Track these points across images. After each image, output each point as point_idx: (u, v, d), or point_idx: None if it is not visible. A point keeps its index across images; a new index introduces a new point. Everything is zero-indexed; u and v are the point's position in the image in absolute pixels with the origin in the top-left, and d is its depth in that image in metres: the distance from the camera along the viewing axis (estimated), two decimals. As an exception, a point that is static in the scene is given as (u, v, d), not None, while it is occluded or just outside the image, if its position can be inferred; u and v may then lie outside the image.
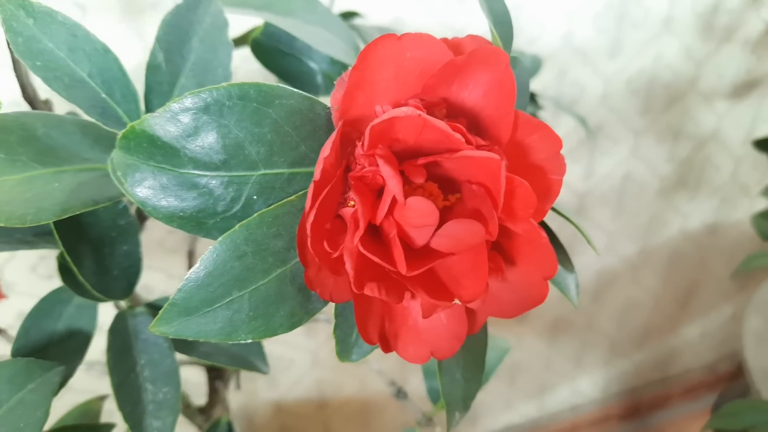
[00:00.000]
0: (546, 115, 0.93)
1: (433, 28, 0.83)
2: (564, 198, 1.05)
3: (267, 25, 0.38)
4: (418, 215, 0.21)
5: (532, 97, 0.75)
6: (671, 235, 1.19)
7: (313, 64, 0.39)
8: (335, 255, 0.22)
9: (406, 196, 0.22)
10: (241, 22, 0.46)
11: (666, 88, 1.00)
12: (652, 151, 1.06)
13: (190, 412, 0.54)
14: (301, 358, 1.06)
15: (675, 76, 0.99)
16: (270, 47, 0.38)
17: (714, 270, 1.26)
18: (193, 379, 0.93)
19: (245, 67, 0.70)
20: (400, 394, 0.44)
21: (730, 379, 1.40)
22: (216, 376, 0.53)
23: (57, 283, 0.43)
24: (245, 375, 1.04)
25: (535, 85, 0.90)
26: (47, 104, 0.38)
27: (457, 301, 0.22)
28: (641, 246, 1.18)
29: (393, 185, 0.20)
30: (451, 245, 0.21)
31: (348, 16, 0.52)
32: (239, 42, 0.42)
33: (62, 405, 0.47)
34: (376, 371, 0.45)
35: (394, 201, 0.21)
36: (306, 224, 0.21)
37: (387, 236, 0.22)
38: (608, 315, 1.26)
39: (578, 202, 1.07)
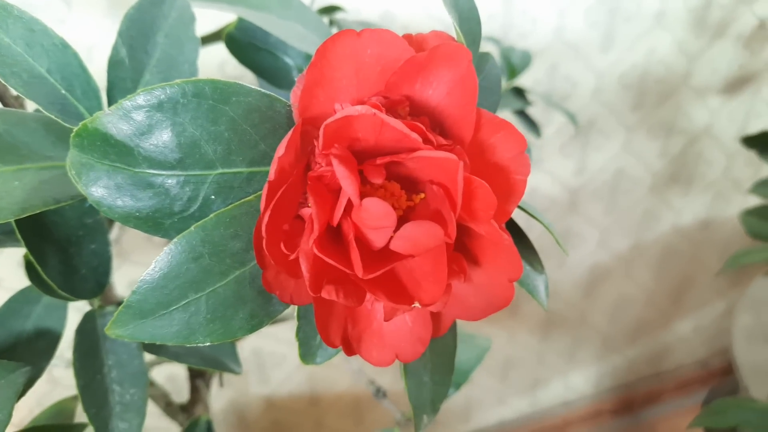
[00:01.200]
0: (537, 111, 0.92)
1: (423, 22, 0.82)
2: (556, 193, 1.05)
3: (241, 20, 0.37)
4: (374, 217, 0.20)
5: (521, 93, 0.74)
6: (664, 231, 1.19)
7: (288, 60, 0.38)
8: (292, 257, 0.22)
9: (365, 197, 0.21)
10: (217, 18, 0.45)
11: (658, 83, 0.99)
12: (645, 147, 1.06)
13: (172, 410, 0.54)
14: (293, 354, 1.06)
15: (667, 71, 0.99)
16: (244, 42, 0.37)
17: (706, 265, 1.26)
18: (181, 376, 0.93)
19: (233, 62, 0.69)
20: (379, 393, 0.43)
21: (722, 375, 1.40)
22: (196, 375, 0.53)
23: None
24: (235, 371, 1.04)
25: (527, 80, 0.89)
26: (18, 100, 0.38)
27: (416, 304, 0.22)
28: (634, 241, 1.18)
29: (347, 186, 0.20)
30: (409, 247, 0.21)
31: (330, 10, 0.51)
32: (214, 37, 0.41)
33: (51, 401, 0.47)
34: (356, 371, 0.45)
35: (350, 202, 0.21)
36: (261, 226, 0.21)
37: (345, 238, 0.22)
38: (601, 310, 1.26)
39: (570, 198, 1.07)
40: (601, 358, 1.34)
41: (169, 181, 0.23)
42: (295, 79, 0.39)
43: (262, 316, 0.24)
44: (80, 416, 0.43)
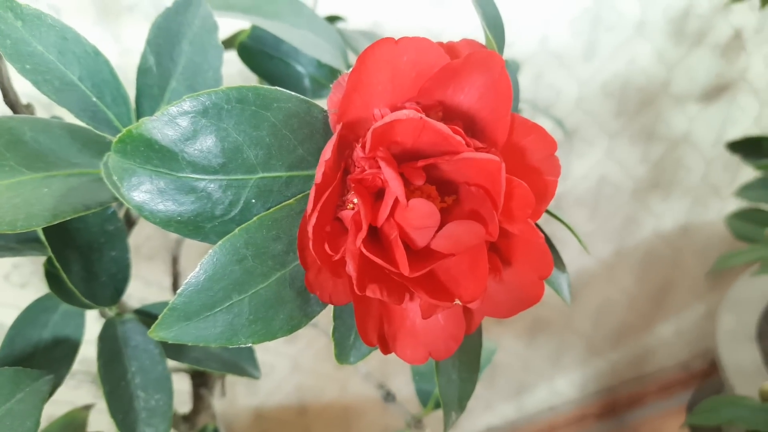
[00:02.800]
0: (523, 119, 0.94)
1: (412, 32, 0.83)
2: (541, 200, 1.07)
3: (254, 28, 0.38)
4: (419, 216, 0.21)
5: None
6: (645, 236, 1.21)
7: (299, 68, 0.39)
8: (336, 257, 0.22)
9: (406, 199, 0.22)
10: (227, 26, 0.46)
11: (639, 91, 1.02)
12: (627, 153, 1.08)
13: (175, 419, 0.54)
14: (282, 364, 1.06)
15: (648, 80, 1.01)
16: (256, 50, 0.38)
17: (687, 269, 1.29)
18: (177, 387, 0.92)
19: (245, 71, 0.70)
20: (389, 397, 0.44)
21: (704, 377, 1.43)
22: (200, 383, 0.53)
23: (31, 291, 0.42)
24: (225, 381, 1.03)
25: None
26: (29, 109, 0.38)
27: (457, 301, 0.22)
28: (616, 247, 1.20)
29: (395, 187, 0.20)
30: (451, 246, 0.22)
31: (331, 20, 0.52)
32: (226, 45, 0.42)
33: (45, 417, 0.46)
34: (364, 375, 0.45)
35: (396, 203, 0.21)
36: (308, 227, 0.21)
37: (387, 238, 0.22)
38: (585, 315, 1.28)
39: (555, 204, 1.08)
40: (585, 362, 1.36)
41: (212, 185, 0.23)
42: (307, 87, 0.40)
43: (301, 317, 0.24)
44: (91, 426, 0.43)
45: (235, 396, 1.07)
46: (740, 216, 0.69)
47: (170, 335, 0.23)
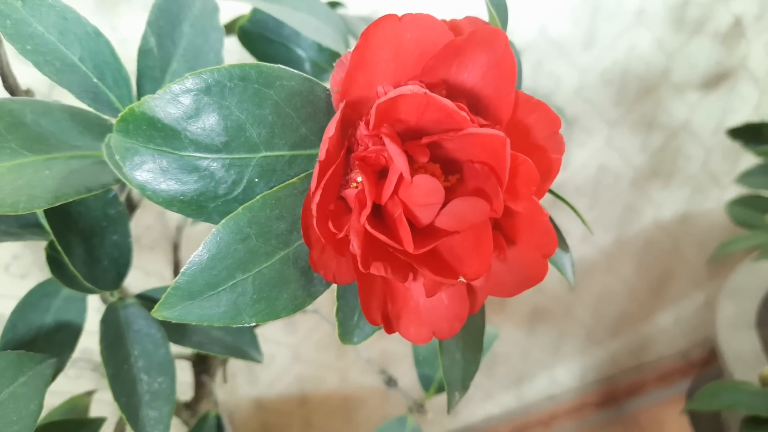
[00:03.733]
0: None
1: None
2: (541, 189, 1.07)
3: (254, 12, 0.38)
4: (424, 193, 0.21)
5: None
6: (645, 225, 1.21)
7: (300, 52, 0.39)
8: (340, 235, 0.22)
9: (410, 175, 0.22)
10: (229, 9, 0.46)
11: (639, 80, 1.02)
12: (626, 142, 1.08)
13: (177, 407, 0.54)
14: (282, 354, 1.06)
15: (647, 68, 1.01)
16: (257, 35, 0.38)
17: (686, 258, 1.29)
18: (179, 376, 0.92)
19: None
20: (391, 382, 0.44)
21: (703, 365, 1.44)
22: (202, 370, 0.53)
23: (31, 282, 0.42)
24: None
25: (512, 77, 0.91)
26: (29, 93, 0.37)
27: (462, 278, 0.22)
28: (616, 235, 1.20)
29: (400, 163, 0.20)
30: (455, 223, 0.22)
31: (331, 5, 0.52)
32: (226, 31, 0.42)
33: (45, 406, 0.46)
34: (365, 360, 0.45)
35: (400, 179, 0.21)
36: (311, 205, 0.21)
37: (391, 216, 0.22)
38: (584, 304, 1.28)
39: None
40: (585, 351, 1.36)
41: (215, 164, 0.23)
42: (308, 71, 0.40)
43: (305, 296, 0.24)
44: (94, 412, 0.43)
45: (235, 386, 1.07)
46: (740, 202, 0.70)
47: (174, 315, 0.23)
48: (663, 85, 1.04)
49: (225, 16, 0.49)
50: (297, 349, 1.07)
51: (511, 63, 0.22)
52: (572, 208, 0.27)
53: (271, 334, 1.03)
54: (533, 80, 0.95)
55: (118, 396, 0.30)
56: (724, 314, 0.94)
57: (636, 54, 0.99)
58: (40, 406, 0.28)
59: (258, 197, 0.23)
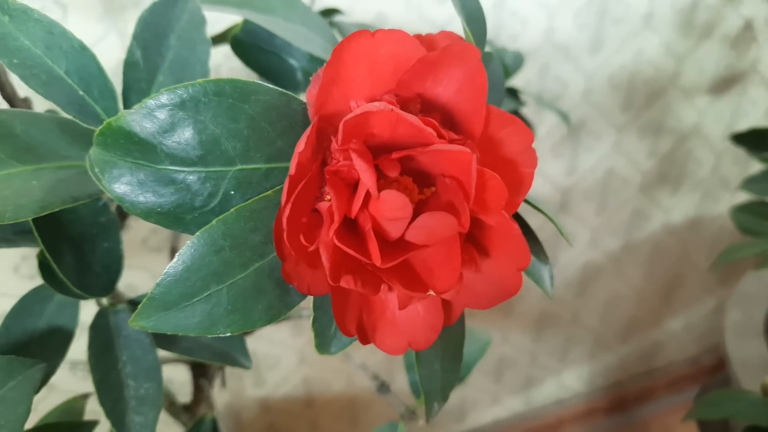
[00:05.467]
0: (529, 111, 0.93)
1: (416, 24, 0.83)
2: (547, 193, 1.06)
3: (246, 22, 0.38)
4: (391, 208, 0.21)
5: (515, 93, 0.75)
6: (654, 230, 1.21)
7: (293, 61, 0.39)
8: (312, 248, 0.22)
9: (380, 190, 0.22)
10: (221, 19, 0.46)
11: (647, 84, 1.01)
12: (634, 147, 1.08)
13: (175, 409, 0.54)
14: (288, 356, 1.07)
15: (656, 72, 1.00)
16: (250, 44, 0.38)
17: (696, 263, 1.28)
18: (179, 378, 0.93)
19: (228, 65, 0.70)
20: (383, 388, 0.44)
21: (713, 372, 1.42)
22: (200, 374, 0.53)
23: (40, 283, 0.43)
24: (231, 373, 1.04)
25: (518, 81, 0.91)
26: (26, 102, 0.38)
27: (431, 292, 0.23)
28: (624, 240, 1.20)
29: (366, 179, 0.21)
30: (424, 237, 0.22)
31: (329, 12, 0.52)
32: (219, 39, 0.42)
33: (48, 406, 0.47)
34: (360, 366, 0.45)
35: (368, 194, 0.22)
36: (282, 218, 0.22)
37: (362, 229, 0.23)
38: (592, 309, 1.27)
39: (562, 198, 1.08)
40: (593, 356, 1.35)
41: (191, 177, 0.23)
42: (300, 81, 0.40)
43: (280, 307, 0.25)
44: (89, 414, 0.43)
45: (242, 388, 1.08)
46: (745, 209, 0.69)
47: (150, 324, 0.23)
48: (671, 90, 1.03)
49: (218, 25, 0.49)
50: (303, 352, 1.07)
51: (482, 79, 0.23)
52: (549, 217, 0.27)
53: (277, 336, 1.03)
54: (539, 85, 0.95)
55: (104, 401, 0.31)
56: (732, 321, 0.93)
57: (644, 58, 0.98)
58: (28, 410, 0.29)
59: (232, 210, 0.23)
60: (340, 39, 0.43)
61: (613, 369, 1.39)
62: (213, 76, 0.76)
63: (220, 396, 1.06)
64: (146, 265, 0.85)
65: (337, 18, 0.53)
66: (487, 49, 0.81)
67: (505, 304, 1.24)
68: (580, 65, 0.95)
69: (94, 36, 0.69)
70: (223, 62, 0.69)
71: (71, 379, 0.82)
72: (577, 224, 1.13)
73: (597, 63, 0.96)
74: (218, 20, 0.44)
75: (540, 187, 1.05)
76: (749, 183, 0.67)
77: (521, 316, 1.22)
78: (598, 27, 0.93)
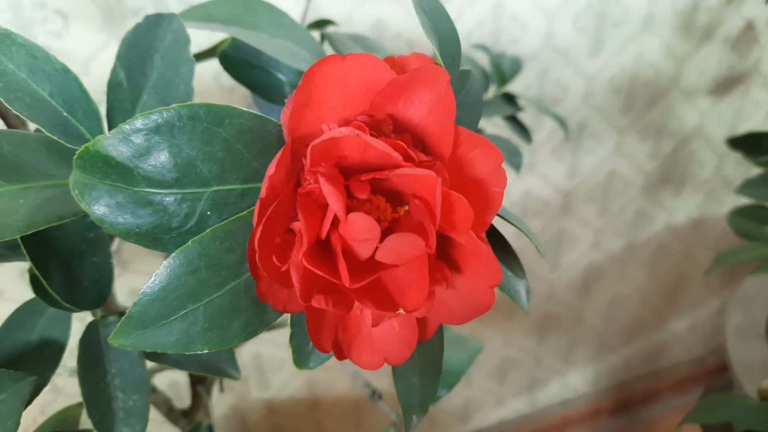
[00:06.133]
0: (529, 115, 0.94)
1: (415, 30, 0.83)
2: (550, 196, 1.06)
3: (234, 38, 0.39)
4: (359, 230, 0.22)
5: (512, 99, 0.76)
6: (657, 231, 1.20)
7: (281, 76, 0.40)
8: (284, 268, 0.23)
9: (352, 211, 0.23)
10: (210, 35, 0.47)
11: (648, 86, 1.01)
12: (636, 149, 1.07)
13: (174, 415, 0.55)
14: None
15: (656, 74, 1.00)
16: (238, 59, 0.39)
17: (700, 264, 1.28)
18: (180, 382, 0.94)
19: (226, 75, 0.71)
20: (375, 395, 0.45)
21: (718, 373, 1.42)
22: (197, 381, 0.54)
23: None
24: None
25: (517, 85, 0.91)
26: (20, 119, 0.39)
27: (401, 310, 0.23)
28: (627, 242, 1.19)
29: (333, 202, 0.21)
30: (393, 258, 0.22)
31: (321, 24, 0.53)
32: (208, 54, 0.43)
33: (54, 409, 0.48)
34: (352, 374, 0.46)
35: (337, 217, 0.22)
36: (254, 240, 0.22)
37: (334, 250, 0.23)
38: (596, 310, 1.27)
39: (564, 200, 1.08)
40: (597, 357, 1.35)
41: (167, 198, 0.24)
42: (288, 95, 0.41)
43: (257, 324, 0.25)
44: (84, 423, 0.44)
45: (247, 390, 1.09)
46: (742, 213, 0.69)
47: (128, 342, 0.24)
48: (673, 91, 1.03)
49: (211, 40, 0.50)
50: (307, 354, 1.08)
51: (450, 102, 0.23)
52: (524, 232, 0.28)
53: (282, 339, 1.04)
54: (539, 88, 0.95)
55: (92, 413, 0.31)
56: (734, 324, 0.92)
57: (644, 60, 0.98)
58: (17, 423, 0.29)
59: (208, 230, 0.24)
60: (329, 52, 0.44)
61: (617, 370, 1.39)
62: (214, 85, 0.77)
63: (225, 398, 1.07)
64: (152, 270, 0.86)
65: (330, 29, 0.53)
66: (480, 56, 0.81)
67: (508, 306, 1.24)
68: (580, 68, 0.95)
69: (95, 45, 0.70)
70: (221, 72, 0.70)
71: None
72: (579, 226, 1.13)
73: (597, 66, 0.96)
74: (207, 35, 0.44)
75: (542, 190, 1.05)
76: (747, 187, 0.67)
77: (525, 317, 1.22)
78: (598, 30, 0.93)
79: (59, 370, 0.40)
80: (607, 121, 1.02)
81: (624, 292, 1.27)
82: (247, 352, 1.02)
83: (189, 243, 0.23)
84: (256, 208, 0.22)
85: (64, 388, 0.89)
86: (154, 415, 0.59)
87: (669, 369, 1.43)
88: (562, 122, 0.77)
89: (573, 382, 1.37)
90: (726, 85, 1.06)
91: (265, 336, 1.01)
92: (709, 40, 1.00)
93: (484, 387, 1.29)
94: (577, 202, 1.10)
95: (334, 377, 1.14)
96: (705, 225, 1.23)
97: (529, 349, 1.27)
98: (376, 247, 0.23)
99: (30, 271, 0.34)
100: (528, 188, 1.04)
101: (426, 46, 0.82)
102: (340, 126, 0.22)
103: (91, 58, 0.70)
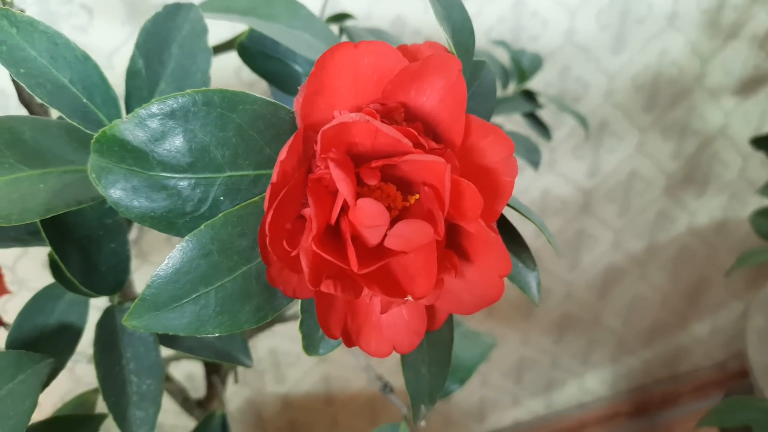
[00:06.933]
0: (549, 113, 0.93)
1: (435, 28, 0.83)
2: (569, 195, 1.06)
3: (252, 29, 0.39)
4: (368, 216, 0.22)
5: (531, 96, 0.75)
6: (678, 232, 1.19)
7: (297, 67, 0.40)
8: (294, 253, 0.23)
9: (362, 197, 0.23)
10: (232, 30, 0.47)
11: (671, 85, 1.00)
12: (658, 148, 1.06)
13: (189, 405, 0.56)
14: (308, 354, 1.08)
15: (680, 73, 0.99)
16: (255, 51, 0.39)
17: (722, 267, 1.26)
18: (195, 373, 0.95)
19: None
20: (386, 388, 0.45)
21: (740, 378, 1.40)
22: (213, 371, 0.55)
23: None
24: (252, 370, 1.06)
25: (538, 82, 0.90)
26: (44, 107, 0.40)
27: (409, 297, 0.23)
28: (648, 243, 1.18)
29: (342, 187, 0.21)
30: (402, 244, 0.22)
31: (340, 18, 0.53)
32: (227, 46, 0.43)
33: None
34: (364, 367, 0.46)
35: (346, 202, 0.22)
36: (265, 224, 0.22)
37: (343, 236, 0.23)
38: (615, 312, 1.26)
39: (584, 199, 1.07)
40: (616, 360, 1.34)
41: (181, 183, 0.24)
42: (304, 85, 0.41)
43: (268, 309, 0.26)
44: (101, 407, 0.45)
45: (263, 384, 1.10)
46: (765, 214, 0.68)
47: (141, 324, 0.24)
48: (697, 90, 1.02)
49: (227, 32, 0.50)
50: (323, 349, 1.08)
51: (462, 89, 0.23)
52: (537, 225, 0.27)
53: (297, 334, 1.05)
54: (560, 86, 0.94)
55: (107, 396, 0.32)
56: (756, 327, 0.91)
57: (668, 58, 0.97)
58: (35, 404, 0.30)
59: (220, 215, 0.24)
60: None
61: (636, 373, 1.37)
62: (235, 79, 0.77)
63: (241, 392, 1.08)
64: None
65: (349, 23, 0.54)
66: (499, 52, 0.80)
67: (525, 305, 1.23)
68: (602, 66, 0.94)
69: (119, 39, 0.72)
70: (242, 66, 0.70)
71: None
72: (599, 226, 1.12)
73: (619, 63, 0.95)
74: (230, 27, 0.45)
75: (562, 188, 1.04)
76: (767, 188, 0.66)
77: (542, 317, 1.21)
78: (621, 27, 0.92)
79: (78, 357, 0.41)
80: (628, 119, 1.01)
81: (644, 294, 1.25)
82: (263, 347, 1.03)
83: (202, 227, 0.24)
84: (267, 192, 0.22)
85: (83, 377, 0.90)
86: (172, 405, 0.60)
87: (689, 373, 1.41)
88: (582, 120, 0.76)
89: (590, 385, 1.36)
90: (752, 84, 1.04)
91: (281, 330, 1.02)
92: (735, 39, 0.98)
93: (501, 386, 1.29)
94: (597, 201, 1.09)
95: (349, 373, 1.14)
96: (728, 227, 1.21)
97: (546, 349, 1.26)
98: (386, 234, 0.23)
99: (50, 255, 0.34)
100: (547, 187, 1.03)
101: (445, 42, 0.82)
102: (351, 113, 0.22)
103: (115, 52, 0.72)
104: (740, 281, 1.30)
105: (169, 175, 0.24)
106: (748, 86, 1.04)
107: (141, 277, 0.83)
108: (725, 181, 1.15)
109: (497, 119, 0.81)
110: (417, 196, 0.25)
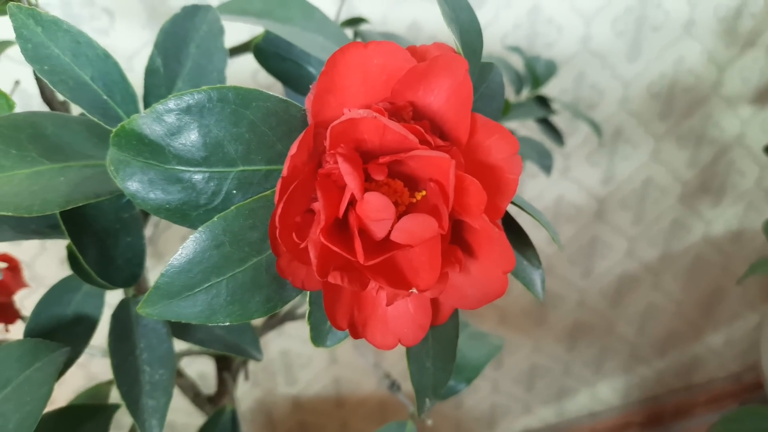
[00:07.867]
0: (564, 120, 0.93)
1: (450, 32, 0.84)
2: (583, 202, 1.06)
3: (268, 32, 0.40)
4: (374, 209, 0.22)
5: (545, 102, 0.75)
6: (694, 241, 1.18)
7: (311, 69, 0.41)
8: (303, 245, 0.24)
9: (368, 192, 0.23)
10: (250, 33, 0.48)
11: (687, 93, 0.99)
12: (674, 156, 1.06)
13: (200, 400, 0.57)
14: (319, 356, 1.09)
15: (697, 81, 0.99)
16: (270, 52, 0.40)
17: (738, 277, 1.24)
18: (206, 371, 0.96)
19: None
20: (394, 386, 0.45)
21: (755, 390, 1.38)
22: (224, 367, 0.55)
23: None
24: (263, 371, 1.07)
25: (553, 88, 0.90)
26: (64, 105, 0.41)
27: (414, 290, 0.24)
28: (663, 251, 1.17)
29: (350, 181, 0.22)
30: (407, 238, 0.23)
31: (355, 22, 0.54)
32: (243, 48, 0.44)
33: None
34: (373, 365, 0.47)
35: (354, 196, 0.23)
36: (275, 217, 0.23)
37: (351, 229, 0.24)
38: (628, 321, 1.25)
39: (598, 207, 1.07)
40: (628, 369, 1.33)
41: (196, 176, 0.25)
42: (318, 86, 0.42)
43: (277, 300, 0.26)
44: (114, 398, 0.46)
45: (274, 385, 1.11)
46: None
47: (155, 311, 0.25)
48: (713, 99, 1.01)
49: (243, 34, 0.51)
50: (334, 352, 1.09)
51: (468, 88, 0.24)
52: (536, 218, 0.28)
53: (308, 336, 1.06)
54: (575, 93, 0.94)
55: (121, 384, 0.33)
56: (770, 338, 0.90)
57: (684, 66, 0.97)
58: (50, 390, 0.31)
59: (232, 208, 0.25)
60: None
61: (649, 383, 1.36)
62: (252, 82, 0.79)
63: (252, 392, 1.09)
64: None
65: (364, 27, 0.54)
66: (514, 58, 0.80)
67: (538, 312, 1.23)
68: (618, 73, 0.94)
69: (140, 42, 0.73)
70: (259, 70, 0.72)
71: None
72: (613, 233, 1.12)
73: (635, 71, 0.95)
74: (250, 32, 0.46)
75: (575, 195, 1.04)
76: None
77: (555, 324, 1.21)
78: (637, 34, 0.92)
79: (93, 350, 0.42)
80: (644, 127, 1.01)
81: (658, 303, 1.24)
82: (275, 348, 1.04)
83: (215, 219, 0.25)
84: (278, 186, 0.23)
85: (97, 374, 0.92)
86: (182, 404, 0.61)
87: (703, 384, 1.39)
88: (596, 127, 0.76)
89: (603, 394, 1.35)
90: (769, 93, 1.04)
91: (293, 332, 1.03)
92: (753, 47, 0.98)
93: (512, 393, 1.28)
94: (611, 209, 1.09)
95: (360, 376, 1.14)
96: (744, 237, 1.20)
97: (558, 357, 1.26)
98: (392, 228, 0.24)
99: (68, 247, 0.35)
100: (561, 193, 1.03)
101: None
102: (360, 110, 0.23)
103: (135, 54, 0.73)
104: (756, 292, 1.28)
105: (184, 168, 0.25)
106: (765, 95, 1.04)
107: (156, 275, 0.84)
108: (741, 191, 1.14)
109: (511, 124, 0.81)
110: (423, 192, 0.26)
